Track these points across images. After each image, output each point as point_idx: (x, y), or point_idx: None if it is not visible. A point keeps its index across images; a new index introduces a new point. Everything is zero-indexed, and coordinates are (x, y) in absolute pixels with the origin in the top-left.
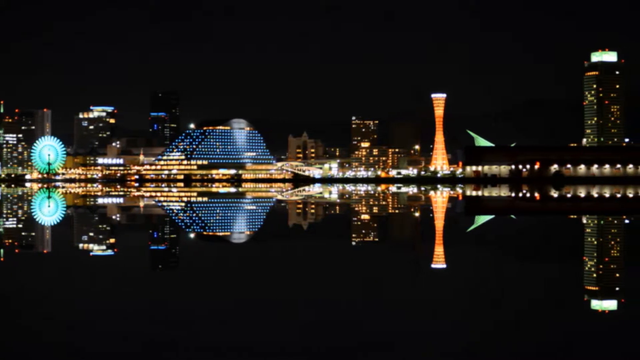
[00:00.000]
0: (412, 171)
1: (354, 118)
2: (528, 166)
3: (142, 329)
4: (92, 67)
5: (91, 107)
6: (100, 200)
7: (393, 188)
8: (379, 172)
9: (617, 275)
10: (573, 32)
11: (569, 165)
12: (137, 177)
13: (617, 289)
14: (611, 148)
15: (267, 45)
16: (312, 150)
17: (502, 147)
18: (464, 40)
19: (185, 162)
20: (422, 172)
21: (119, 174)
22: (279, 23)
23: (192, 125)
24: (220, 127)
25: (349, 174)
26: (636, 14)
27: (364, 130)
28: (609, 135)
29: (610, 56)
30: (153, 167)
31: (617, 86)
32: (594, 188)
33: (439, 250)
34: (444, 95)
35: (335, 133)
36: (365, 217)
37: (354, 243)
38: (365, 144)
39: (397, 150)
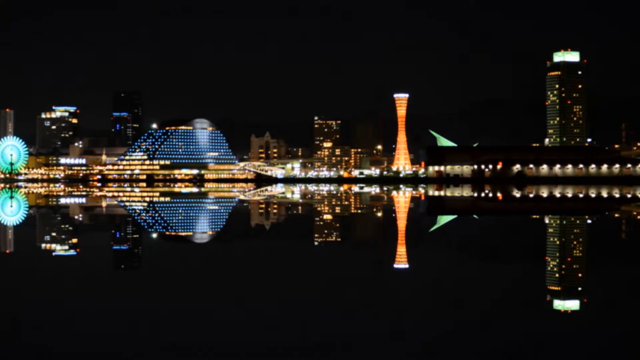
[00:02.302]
0: (374, 171)
1: (316, 118)
2: (490, 166)
3: (100, 328)
4: (53, 67)
5: (53, 107)
6: (62, 200)
7: (355, 188)
8: (342, 172)
9: (575, 274)
10: (534, 32)
11: (531, 166)
12: (99, 177)
13: (574, 287)
14: (573, 148)
15: (230, 46)
16: (275, 150)
17: (465, 147)
18: (426, 41)
19: (147, 162)
20: (385, 172)
21: (81, 174)
22: (242, 23)
23: (154, 125)
24: (183, 127)
25: (312, 174)
26: (598, 14)
27: (326, 130)
28: (571, 136)
29: (573, 56)
30: (115, 167)
31: (580, 86)
32: (557, 188)
33: (401, 250)
34: (407, 95)
35: (297, 133)
36: (328, 217)
37: (316, 243)
38: (328, 144)
39: (359, 150)
